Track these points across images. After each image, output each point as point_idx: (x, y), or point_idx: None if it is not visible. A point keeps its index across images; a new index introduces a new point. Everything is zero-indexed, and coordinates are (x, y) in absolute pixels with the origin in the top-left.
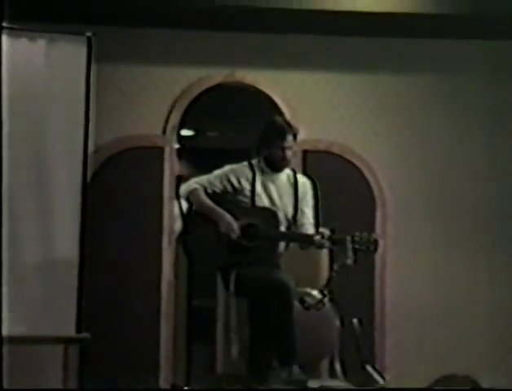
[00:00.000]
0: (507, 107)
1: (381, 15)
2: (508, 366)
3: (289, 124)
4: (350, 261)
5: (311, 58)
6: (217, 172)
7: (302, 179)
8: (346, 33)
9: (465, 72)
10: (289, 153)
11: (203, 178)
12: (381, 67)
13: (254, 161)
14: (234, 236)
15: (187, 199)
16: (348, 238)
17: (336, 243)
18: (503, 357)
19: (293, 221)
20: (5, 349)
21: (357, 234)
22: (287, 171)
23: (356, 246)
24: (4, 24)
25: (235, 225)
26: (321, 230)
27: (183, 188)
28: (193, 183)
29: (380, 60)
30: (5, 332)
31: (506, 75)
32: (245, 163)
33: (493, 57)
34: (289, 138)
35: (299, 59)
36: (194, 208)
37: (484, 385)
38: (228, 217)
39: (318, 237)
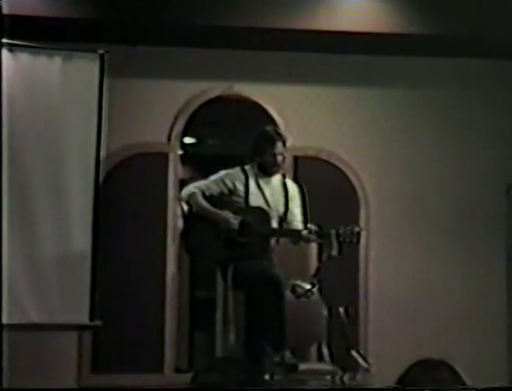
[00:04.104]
0: (475, 120)
1: (364, 34)
2: (478, 350)
3: (278, 133)
4: (335, 252)
5: (301, 73)
6: (213, 177)
7: (290, 183)
8: (333, 51)
9: (440, 88)
10: (279, 158)
11: (201, 183)
12: (365, 82)
13: (247, 167)
14: (236, 227)
15: (187, 203)
16: (333, 232)
17: (322, 236)
18: (475, 343)
19: (284, 218)
20: (23, 335)
21: (341, 228)
22: (277, 176)
23: (341, 239)
24: (26, 43)
25: (232, 218)
26: (309, 225)
27: (184, 192)
28: (192, 188)
29: (364, 76)
30: (25, 320)
31: (474, 90)
32: (238, 168)
33: (463, 74)
34: (279, 145)
35: (291, 74)
36: (194, 210)
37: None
38: (224, 214)
39: (305, 232)
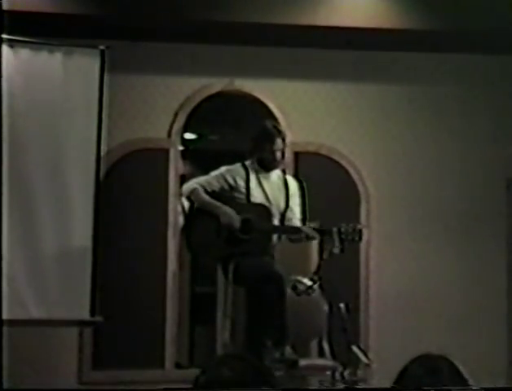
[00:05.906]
0: (476, 116)
1: (366, 30)
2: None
3: (277, 129)
4: (337, 250)
5: (302, 69)
6: (214, 173)
7: (290, 179)
8: (334, 47)
9: (439, 84)
10: (278, 155)
11: (201, 179)
12: (366, 78)
13: (247, 162)
14: (236, 226)
15: (188, 198)
16: (335, 229)
17: (324, 234)
18: (476, 341)
19: (285, 215)
20: (23, 331)
21: (343, 225)
22: (277, 172)
23: (343, 236)
24: (26, 39)
25: (235, 216)
26: (308, 223)
27: (184, 188)
28: (193, 183)
29: (364, 72)
30: (26, 316)
31: (475, 86)
32: (239, 164)
33: (463, 69)
34: (278, 141)
35: (292, 70)
36: (195, 205)
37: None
38: (228, 209)
39: (305, 229)
